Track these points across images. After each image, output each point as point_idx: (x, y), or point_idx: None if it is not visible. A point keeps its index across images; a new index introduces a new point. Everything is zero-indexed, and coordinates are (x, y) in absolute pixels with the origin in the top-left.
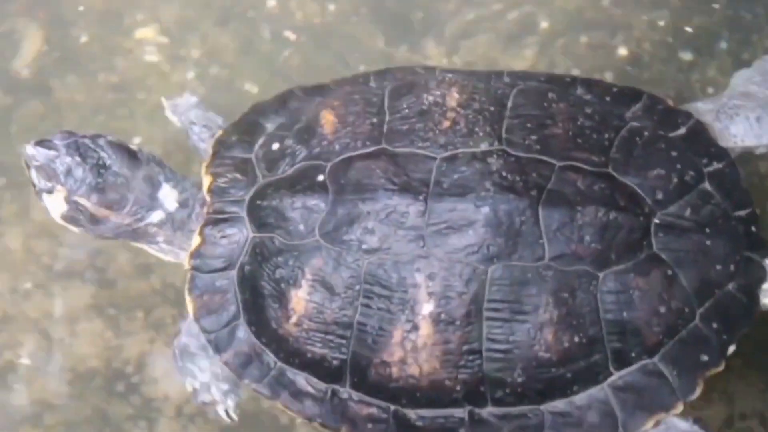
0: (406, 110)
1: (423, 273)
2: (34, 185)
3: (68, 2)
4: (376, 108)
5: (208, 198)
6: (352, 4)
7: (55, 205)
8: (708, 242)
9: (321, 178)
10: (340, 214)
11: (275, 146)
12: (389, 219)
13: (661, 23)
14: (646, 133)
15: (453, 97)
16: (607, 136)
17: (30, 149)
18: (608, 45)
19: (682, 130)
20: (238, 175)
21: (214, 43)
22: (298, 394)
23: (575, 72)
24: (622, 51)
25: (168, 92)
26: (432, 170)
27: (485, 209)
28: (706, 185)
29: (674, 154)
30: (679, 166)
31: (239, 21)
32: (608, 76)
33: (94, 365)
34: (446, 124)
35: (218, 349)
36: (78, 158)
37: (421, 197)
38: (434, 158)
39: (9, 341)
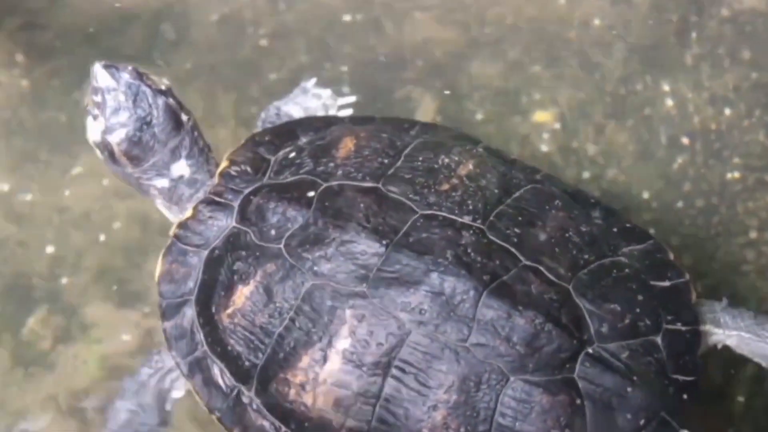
0: (419, 163)
1: (354, 311)
2: (87, 102)
3: (464, 76)
4: (395, 152)
5: (217, 179)
6: (747, 106)
7: (93, 130)
8: (629, 389)
9: (311, 194)
10: (310, 232)
11: (292, 155)
12: (347, 251)
13: None
14: (626, 270)
15: (466, 167)
16: (586, 257)
17: (98, 67)
18: None
19: (665, 283)
20: (249, 169)
21: (611, 140)
22: (209, 383)
23: None
24: None
25: None
26: (408, 222)
27: (434, 275)
28: (657, 339)
29: (640, 298)
30: (638, 310)
31: (636, 118)
32: None
33: None
34: (445, 187)
35: (164, 316)
36: (131, 103)
37: (384, 242)
38: (416, 212)
39: None
